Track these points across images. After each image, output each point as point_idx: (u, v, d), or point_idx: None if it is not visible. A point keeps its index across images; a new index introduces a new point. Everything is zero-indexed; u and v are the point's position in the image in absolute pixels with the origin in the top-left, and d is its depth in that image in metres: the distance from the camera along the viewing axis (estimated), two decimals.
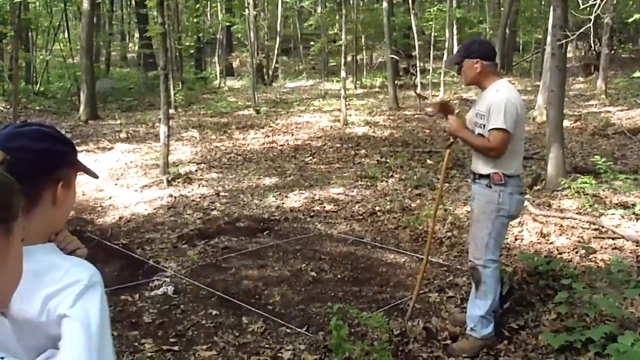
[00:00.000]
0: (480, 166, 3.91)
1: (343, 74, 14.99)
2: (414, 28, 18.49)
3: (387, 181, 8.76)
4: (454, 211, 7.04)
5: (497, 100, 3.72)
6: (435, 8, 20.49)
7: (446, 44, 20.88)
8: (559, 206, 7.05)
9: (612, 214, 6.53)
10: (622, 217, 6.44)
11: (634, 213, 6.45)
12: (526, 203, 6.95)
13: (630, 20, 13.87)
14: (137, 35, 28.89)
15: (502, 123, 3.68)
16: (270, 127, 14.09)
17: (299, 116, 15.70)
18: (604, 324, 4.03)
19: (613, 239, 5.92)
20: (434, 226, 4.62)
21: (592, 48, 19.14)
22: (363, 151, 11.06)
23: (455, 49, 25.59)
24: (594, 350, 3.64)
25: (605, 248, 5.72)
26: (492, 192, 3.83)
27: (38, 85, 21.01)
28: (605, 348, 3.47)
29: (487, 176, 3.85)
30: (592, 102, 15.49)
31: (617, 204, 6.93)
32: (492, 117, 3.72)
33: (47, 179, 1.38)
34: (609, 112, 13.98)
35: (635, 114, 13.54)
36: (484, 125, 3.83)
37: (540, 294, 4.66)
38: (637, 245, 5.70)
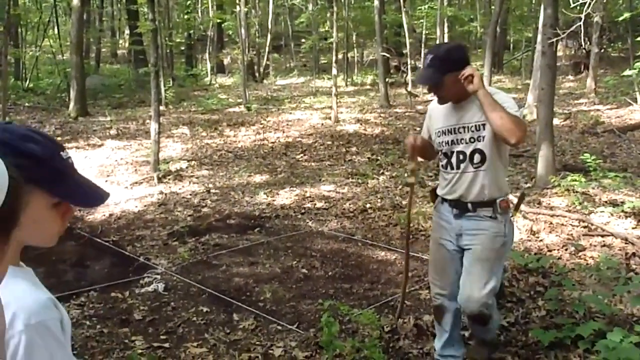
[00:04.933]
0: (480, 191, 3.21)
1: (334, 71, 14.99)
2: (405, 26, 18.51)
3: (378, 179, 8.78)
4: None
5: (501, 95, 3.15)
6: (426, 6, 20.54)
7: (437, 42, 20.90)
8: (549, 204, 7.08)
9: (601, 212, 6.57)
10: (612, 214, 6.47)
11: (622, 211, 6.49)
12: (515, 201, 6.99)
13: (620, 19, 13.92)
14: (127, 31, 28.80)
15: (517, 110, 3.11)
16: (261, 124, 14.07)
17: (290, 113, 15.69)
18: (593, 320, 4.05)
19: (602, 236, 5.95)
20: (408, 258, 4.15)
21: (582, 47, 19.23)
22: (354, 149, 11.07)
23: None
24: (583, 347, 3.67)
25: (595, 245, 5.75)
26: (497, 223, 3.20)
27: (27, 82, 20.89)
28: (594, 344, 3.49)
29: (491, 204, 3.20)
30: (582, 101, 15.57)
31: (606, 201, 6.97)
32: (503, 103, 3.06)
33: None
34: (598, 110, 14.06)
35: (624, 112, 13.63)
36: (482, 137, 3.15)
37: (530, 291, 4.69)
38: (626, 243, 5.73)
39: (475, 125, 3.16)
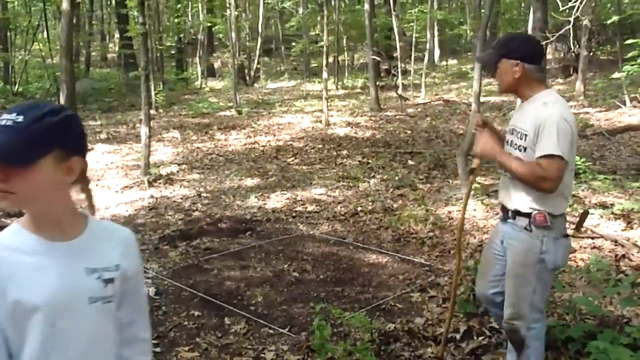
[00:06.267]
0: (518, 200, 3.06)
1: (325, 74, 15.01)
2: (396, 29, 18.57)
3: (368, 182, 8.79)
4: (435, 211, 7.08)
5: (547, 118, 2.90)
6: (416, 10, 20.60)
7: (427, 45, 21.00)
8: None
9: (591, 214, 6.60)
10: (601, 216, 6.51)
11: (612, 213, 6.53)
12: None
13: (609, 22, 14.04)
14: (117, 35, 28.71)
15: (556, 148, 2.86)
16: (252, 127, 14.07)
17: (281, 117, 15.70)
18: (583, 322, 4.08)
19: (592, 238, 5.98)
20: (459, 268, 3.99)
21: (571, 50, 19.30)
22: (345, 152, 11.08)
23: (437, 50, 25.74)
24: (574, 349, 3.68)
25: (585, 247, 5.78)
26: (532, 237, 3.02)
27: (17, 86, 20.78)
28: (585, 346, 3.51)
29: (527, 215, 3.03)
30: (571, 104, 15.63)
31: (596, 204, 7.01)
32: (542, 139, 2.90)
33: None
34: (587, 113, 14.13)
35: (613, 115, 13.71)
36: (524, 148, 3.01)
37: None
38: (615, 245, 5.77)
39: (521, 133, 3.05)
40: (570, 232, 3.27)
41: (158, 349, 4.06)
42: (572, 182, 3.17)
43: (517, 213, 3.07)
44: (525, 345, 3.14)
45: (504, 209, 3.19)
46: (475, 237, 6.21)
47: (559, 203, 3.04)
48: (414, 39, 20.33)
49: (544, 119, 2.91)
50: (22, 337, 1.43)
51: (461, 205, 7.22)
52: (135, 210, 7.64)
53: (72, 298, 1.48)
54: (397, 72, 18.35)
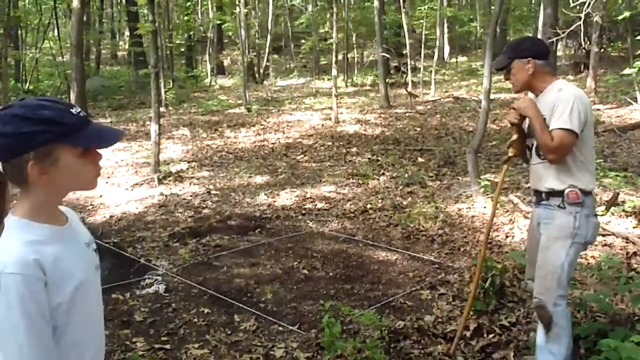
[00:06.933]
0: (552, 180, 3.24)
1: (334, 72, 14.98)
2: (405, 26, 18.52)
3: (378, 179, 8.77)
4: (445, 209, 7.06)
5: (564, 97, 3.14)
6: (426, 6, 20.55)
7: (437, 42, 20.95)
8: None
9: (602, 211, 6.55)
10: (612, 214, 6.47)
11: (623, 210, 6.49)
12: (517, 200, 6.99)
13: (620, 18, 13.94)
14: (127, 33, 28.82)
15: (567, 122, 3.07)
16: (262, 125, 14.08)
17: (290, 114, 15.70)
18: (594, 320, 4.06)
19: (603, 235, 5.94)
20: (479, 273, 4.08)
21: (582, 46, 19.20)
22: (354, 149, 11.06)
23: (446, 47, 25.67)
24: (585, 346, 3.66)
25: (596, 245, 5.74)
26: (567, 214, 3.20)
27: (27, 84, 20.91)
28: (596, 344, 3.49)
29: (560, 194, 3.21)
30: None
31: (607, 201, 6.96)
32: (555, 114, 3.12)
33: (21, 160, 1.44)
34: (598, 110, 14.02)
35: (624, 111, 13.60)
36: None
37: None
38: (626, 242, 5.73)
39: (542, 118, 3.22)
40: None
41: (168, 346, 4.08)
42: (593, 158, 3.35)
43: (550, 193, 3.26)
44: (554, 323, 3.26)
45: (537, 193, 3.38)
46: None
47: (586, 178, 3.22)
48: (423, 36, 20.27)
49: (560, 98, 3.15)
50: (69, 315, 1.49)
51: (471, 203, 7.22)
52: (145, 207, 7.67)
53: (90, 270, 1.63)
54: (407, 69, 18.28)
